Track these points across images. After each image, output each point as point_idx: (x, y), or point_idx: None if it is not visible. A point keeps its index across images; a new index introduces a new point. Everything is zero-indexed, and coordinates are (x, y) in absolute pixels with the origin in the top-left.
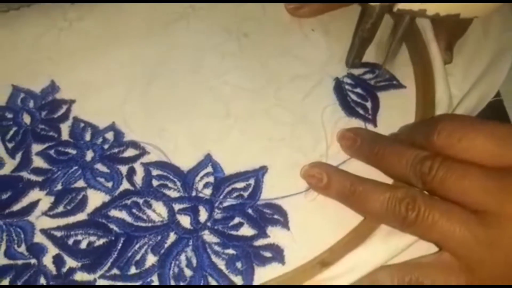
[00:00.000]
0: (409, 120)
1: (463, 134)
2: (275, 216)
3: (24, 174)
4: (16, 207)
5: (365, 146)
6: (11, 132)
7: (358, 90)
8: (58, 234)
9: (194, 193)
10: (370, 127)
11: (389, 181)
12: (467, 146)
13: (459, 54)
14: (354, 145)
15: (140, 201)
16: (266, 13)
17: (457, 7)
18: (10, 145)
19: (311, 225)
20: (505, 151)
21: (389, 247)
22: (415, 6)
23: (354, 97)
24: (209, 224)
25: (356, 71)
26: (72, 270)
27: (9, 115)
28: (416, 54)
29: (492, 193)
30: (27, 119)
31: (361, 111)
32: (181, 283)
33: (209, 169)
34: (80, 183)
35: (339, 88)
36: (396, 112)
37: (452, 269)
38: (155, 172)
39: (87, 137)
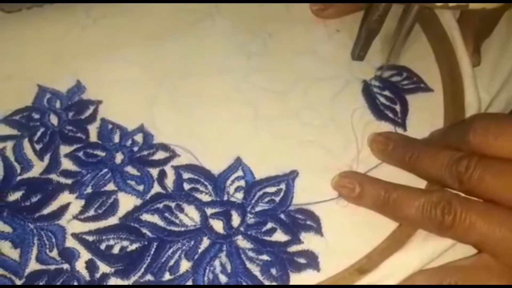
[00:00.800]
0: (438, 123)
1: (500, 131)
2: (308, 222)
3: (53, 177)
4: (47, 211)
5: (398, 150)
6: (39, 134)
7: (387, 92)
8: (90, 238)
9: (226, 197)
10: (400, 130)
11: (422, 185)
12: (505, 144)
13: (485, 57)
14: (386, 149)
15: (172, 205)
16: (289, 13)
17: None
18: (38, 147)
19: (345, 232)
20: None
21: (427, 251)
22: None
23: (383, 100)
24: (242, 229)
25: (384, 73)
26: (105, 276)
27: (36, 116)
28: (442, 57)
29: None
30: (54, 120)
31: (390, 115)
32: None
33: (240, 172)
34: (111, 186)
35: (367, 91)
36: (425, 115)
37: (493, 270)
38: (186, 175)
39: (116, 139)
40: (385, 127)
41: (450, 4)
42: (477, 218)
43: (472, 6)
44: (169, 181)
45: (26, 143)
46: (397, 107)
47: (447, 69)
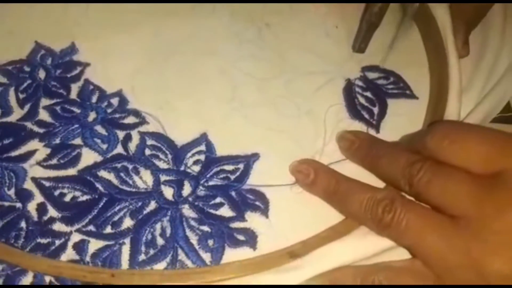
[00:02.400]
0: (415, 131)
1: (456, 137)
2: (257, 203)
3: (28, 124)
4: (15, 153)
5: (362, 148)
6: (25, 84)
7: (368, 94)
8: (47, 184)
9: (182, 168)
10: (372, 132)
11: (381, 186)
12: (458, 150)
13: (478, 68)
14: (352, 147)
15: (130, 166)
16: (292, 6)
17: None
18: (21, 96)
19: (291, 217)
20: (495, 157)
21: (363, 247)
22: None
23: (362, 100)
24: (190, 199)
25: (371, 75)
26: (52, 220)
27: (27, 69)
28: (435, 68)
29: (473, 199)
30: (42, 74)
31: (366, 115)
32: (151, 251)
33: (202, 147)
34: (78, 141)
35: (349, 89)
36: (402, 121)
37: (420, 277)
38: (149, 141)
39: (94, 99)
40: (358, 126)
41: None
42: (414, 221)
43: None
44: (133, 144)
45: (11, 91)
46: (375, 109)
47: (437, 80)
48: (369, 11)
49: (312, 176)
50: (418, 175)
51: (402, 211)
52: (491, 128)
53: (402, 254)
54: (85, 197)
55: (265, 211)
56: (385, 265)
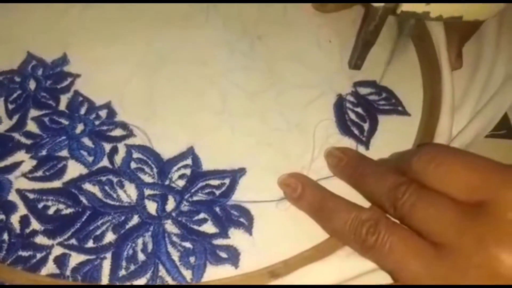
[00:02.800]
0: (406, 148)
1: (442, 161)
2: (241, 219)
3: (16, 135)
4: (1, 164)
5: (350, 166)
6: (15, 95)
7: (359, 109)
8: (31, 196)
9: (167, 182)
10: (361, 148)
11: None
12: (443, 174)
13: (472, 83)
14: (339, 164)
15: (115, 180)
16: (286, 16)
17: (460, 10)
18: (11, 107)
19: (275, 235)
20: (480, 186)
21: (345, 268)
22: (419, 8)
23: (352, 116)
24: (174, 214)
25: (362, 91)
26: (34, 232)
27: (18, 79)
28: (429, 85)
29: (456, 229)
30: (32, 85)
31: (356, 131)
32: (132, 266)
33: (189, 161)
34: (64, 153)
35: (339, 105)
36: (393, 138)
37: None
38: (135, 155)
39: (82, 111)
40: (347, 142)
41: (445, 16)
42: (397, 245)
43: (466, 18)
44: (119, 157)
45: (1, 102)
46: (366, 125)
47: (430, 96)
48: (365, 29)
49: (300, 191)
50: (402, 198)
51: (386, 234)
52: (479, 156)
53: (385, 277)
54: (68, 210)
55: (249, 228)
56: None
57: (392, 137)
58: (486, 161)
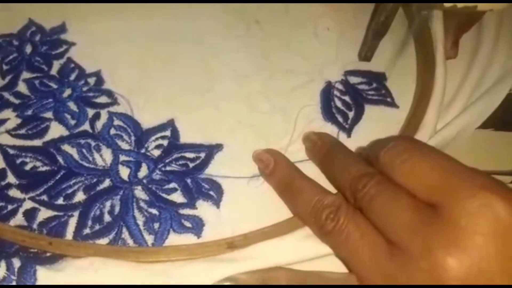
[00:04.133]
0: None
1: (409, 157)
2: (211, 192)
3: (5, 94)
4: None
5: (322, 151)
6: (11, 57)
7: (346, 98)
8: (11, 151)
9: (143, 150)
10: (342, 136)
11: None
12: (408, 170)
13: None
14: (314, 148)
15: (93, 144)
16: (288, 5)
17: None
18: (5, 67)
19: (242, 211)
20: (440, 189)
21: (301, 250)
22: None
23: (338, 103)
24: (145, 181)
25: (353, 79)
26: (8, 185)
27: (16, 42)
28: (421, 77)
29: (408, 230)
30: (28, 49)
31: (340, 119)
32: (97, 226)
33: (167, 133)
34: (49, 114)
35: (326, 92)
36: (377, 128)
37: None
38: (116, 122)
39: (72, 76)
40: (329, 129)
41: (459, 5)
42: (353, 235)
43: (480, 7)
44: (100, 123)
45: None
46: (351, 114)
47: (420, 90)
48: (376, 20)
49: (272, 167)
50: (362, 190)
51: (345, 222)
52: (448, 157)
53: (340, 264)
54: (44, 168)
55: (217, 201)
56: (319, 276)
57: (376, 127)
58: (452, 163)
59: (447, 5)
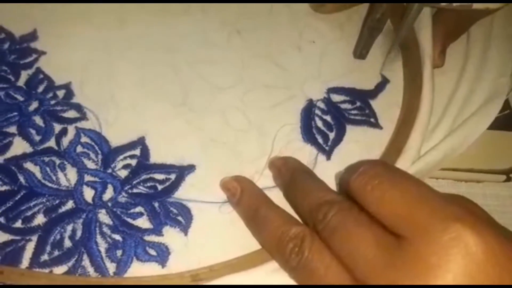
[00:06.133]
0: None
1: (379, 183)
2: (179, 217)
3: None
4: None
5: (286, 178)
6: None
7: (327, 117)
8: None
9: (109, 170)
10: (322, 158)
11: None
12: (378, 198)
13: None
14: (279, 175)
15: (58, 162)
16: (272, 13)
17: None
18: None
19: (211, 238)
20: (412, 216)
21: (271, 284)
22: None
23: (319, 123)
24: (109, 204)
25: (336, 98)
26: None
27: None
28: (407, 98)
29: (371, 266)
30: None
31: (320, 140)
32: (56, 252)
33: (137, 152)
34: (12, 129)
35: (307, 111)
36: (359, 150)
37: None
38: (84, 139)
39: (40, 88)
40: (308, 150)
41: (454, 4)
42: (317, 272)
43: (476, 6)
44: (66, 140)
45: None
46: (331, 134)
47: (405, 111)
48: (371, 17)
49: (238, 195)
50: (323, 221)
51: (309, 257)
52: (421, 185)
53: None
54: (4, 188)
55: (185, 228)
56: None
57: (358, 149)
58: (424, 191)
59: (443, 4)
